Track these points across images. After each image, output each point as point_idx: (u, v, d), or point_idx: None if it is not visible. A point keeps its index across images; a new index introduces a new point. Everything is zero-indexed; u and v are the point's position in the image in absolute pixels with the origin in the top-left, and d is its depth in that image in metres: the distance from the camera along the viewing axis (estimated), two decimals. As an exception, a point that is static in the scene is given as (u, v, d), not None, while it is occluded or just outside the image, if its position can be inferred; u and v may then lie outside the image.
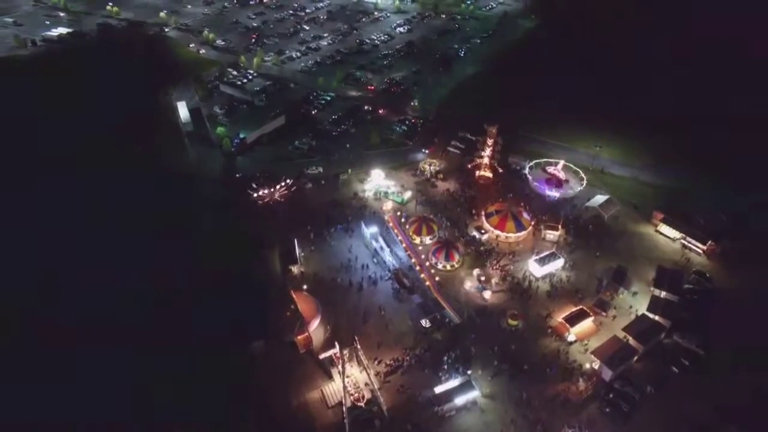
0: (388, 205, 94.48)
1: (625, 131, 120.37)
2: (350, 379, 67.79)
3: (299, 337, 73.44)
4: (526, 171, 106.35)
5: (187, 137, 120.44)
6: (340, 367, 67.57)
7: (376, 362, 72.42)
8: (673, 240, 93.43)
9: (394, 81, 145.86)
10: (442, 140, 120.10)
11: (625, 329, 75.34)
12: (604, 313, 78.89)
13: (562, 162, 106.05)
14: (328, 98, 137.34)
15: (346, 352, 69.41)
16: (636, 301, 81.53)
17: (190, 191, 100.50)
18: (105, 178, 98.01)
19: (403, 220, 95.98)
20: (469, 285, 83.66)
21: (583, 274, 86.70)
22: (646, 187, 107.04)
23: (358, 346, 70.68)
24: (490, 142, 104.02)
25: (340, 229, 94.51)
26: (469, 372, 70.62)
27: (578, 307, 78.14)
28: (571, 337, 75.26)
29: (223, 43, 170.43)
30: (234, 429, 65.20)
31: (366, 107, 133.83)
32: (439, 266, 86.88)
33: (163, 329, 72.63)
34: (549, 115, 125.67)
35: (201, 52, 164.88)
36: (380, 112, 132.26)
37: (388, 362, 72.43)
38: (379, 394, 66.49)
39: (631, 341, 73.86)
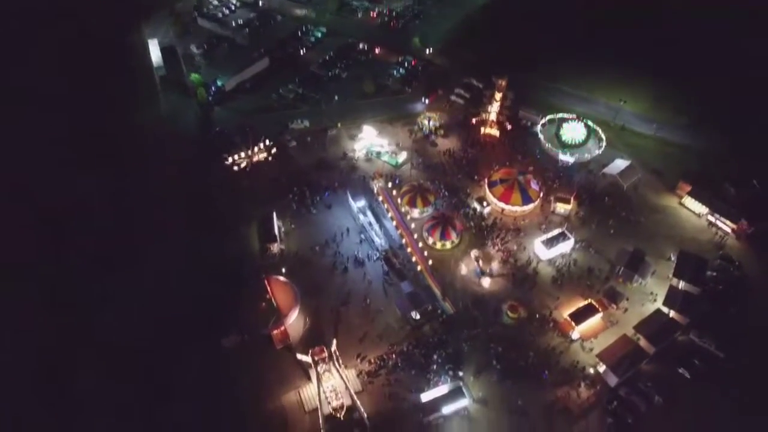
0: (379, 175, 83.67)
1: (658, 82, 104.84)
2: (330, 384, 61.54)
3: (275, 332, 66.76)
4: (538, 129, 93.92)
5: (160, 83, 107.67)
6: (319, 368, 61.55)
7: (359, 360, 66.06)
8: (699, 216, 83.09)
9: (393, 13, 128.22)
10: (445, 87, 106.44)
11: (636, 328, 67.60)
12: (614, 306, 70.80)
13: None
14: (319, 35, 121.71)
15: (325, 355, 62.76)
16: (658, 287, 73.18)
17: (161, 155, 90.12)
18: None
19: (395, 186, 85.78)
20: (466, 269, 75.24)
21: (594, 256, 77.66)
22: (674, 148, 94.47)
23: (336, 353, 63.84)
24: (498, 96, 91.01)
25: (326, 197, 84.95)
26: (460, 374, 64.16)
27: (586, 301, 69.86)
28: (575, 335, 67.87)
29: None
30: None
31: (361, 46, 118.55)
32: (436, 246, 78.11)
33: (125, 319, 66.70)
34: (569, 58, 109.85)
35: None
36: (376, 52, 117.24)
37: (372, 360, 66.02)
38: (359, 403, 60.30)
39: (642, 342, 66.42)
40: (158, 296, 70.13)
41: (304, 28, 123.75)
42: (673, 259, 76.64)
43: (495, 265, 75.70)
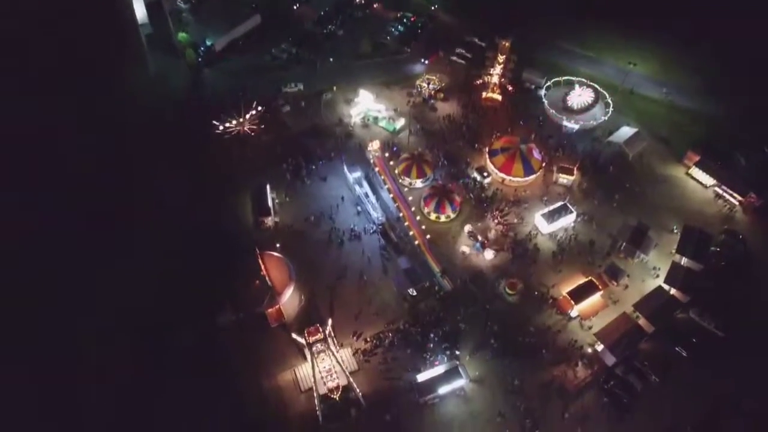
0: (375, 144, 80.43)
1: (671, 41, 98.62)
2: (325, 364, 61.17)
3: (269, 310, 65.88)
4: (542, 93, 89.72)
5: (147, 43, 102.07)
6: (314, 349, 61.07)
7: (354, 338, 65.55)
8: (706, 187, 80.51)
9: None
10: (446, 47, 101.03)
11: (636, 306, 66.64)
12: (615, 283, 69.61)
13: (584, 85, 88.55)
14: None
15: (320, 335, 62.03)
16: (661, 262, 71.86)
17: (148, 122, 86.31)
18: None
19: (393, 154, 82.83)
20: (466, 245, 73.45)
21: (596, 229, 75.75)
22: (683, 114, 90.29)
23: (332, 333, 63.11)
24: (501, 58, 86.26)
25: (321, 166, 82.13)
26: (457, 353, 63.73)
27: (586, 278, 68.54)
28: (574, 313, 67.00)
29: None
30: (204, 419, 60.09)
31: (357, 0, 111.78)
32: (431, 216, 76.10)
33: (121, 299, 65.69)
34: (573, 15, 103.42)
35: None
36: (375, 6, 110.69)
37: (368, 339, 65.49)
38: (354, 382, 60.06)
39: (642, 321, 65.61)
40: (149, 269, 68.58)
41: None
42: (676, 231, 74.96)
43: (493, 234, 73.82)
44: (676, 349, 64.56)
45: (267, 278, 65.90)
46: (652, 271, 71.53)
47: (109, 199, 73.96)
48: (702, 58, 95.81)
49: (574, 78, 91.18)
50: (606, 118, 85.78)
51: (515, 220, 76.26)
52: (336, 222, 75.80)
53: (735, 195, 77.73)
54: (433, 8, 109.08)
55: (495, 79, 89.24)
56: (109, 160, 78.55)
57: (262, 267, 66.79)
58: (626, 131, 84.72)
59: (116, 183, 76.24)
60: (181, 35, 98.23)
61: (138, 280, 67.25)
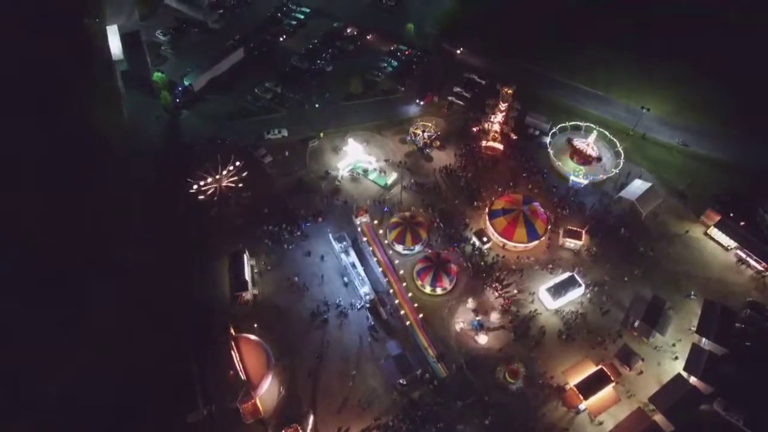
0: (364, 212, 73.36)
1: (688, 78, 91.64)
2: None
3: (244, 405, 59.25)
4: (547, 141, 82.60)
5: (122, 79, 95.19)
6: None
7: (339, 436, 59.06)
8: (727, 249, 73.38)
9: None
10: (443, 85, 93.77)
11: (652, 399, 59.73)
12: (628, 368, 62.73)
13: (594, 134, 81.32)
14: (302, 16, 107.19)
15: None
16: (680, 343, 65.04)
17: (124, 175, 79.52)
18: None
19: (383, 216, 75.97)
20: (462, 321, 66.67)
21: (607, 301, 68.75)
22: (701, 162, 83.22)
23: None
24: (503, 106, 79.06)
25: (306, 228, 75.33)
26: (453, 459, 57.14)
27: (596, 367, 61.54)
28: (582, 406, 60.17)
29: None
30: None
31: (349, 30, 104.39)
32: (425, 290, 69.32)
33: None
34: (584, 47, 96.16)
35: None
36: (368, 38, 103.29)
37: (353, 437, 59.00)
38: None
39: (659, 417, 58.72)
40: (108, 353, 61.61)
41: (286, 7, 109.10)
42: (694, 296, 68.22)
43: (494, 316, 67.02)
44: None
45: (241, 372, 59.25)
46: (670, 351, 64.62)
47: (62, 265, 67.01)
48: (715, 92, 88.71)
49: (581, 123, 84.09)
50: (617, 170, 78.68)
51: (515, 292, 69.26)
52: (320, 295, 68.99)
53: (757, 259, 70.54)
54: (428, 42, 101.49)
55: (496, 127, 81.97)
56: (64, 220, 71.54)
57: (236, 358, 60.15)
58: (639, 186, 77.41)
59: (72, 246, 69.21)
60: (157, 75, 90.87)
61: (96, 369, 60.47)
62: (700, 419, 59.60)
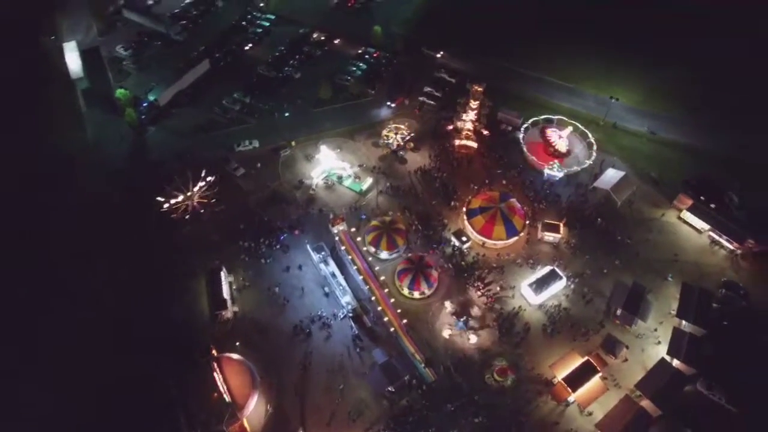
0: (339, 226, 72.49)
1: (653, 67, 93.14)
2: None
3: (231, 428, 57.90)
4: (521, 136, 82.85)
5: (83, 98, 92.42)
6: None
7: (330, 451, 58.14)
8: (700, 232, 74.60)
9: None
10: (414, 86, 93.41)
11: (638, 386, 60.27)
12: (613, 357, 63.22)
13: (568, 129, 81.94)
14: (267, 24, 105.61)
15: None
16: (661, 326, 65.77)
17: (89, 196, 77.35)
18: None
19: (361, 223, 75.21)
20: (449, 326, 66.18)
21: (589, 294, 69.14)
22: (673, 149, 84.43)
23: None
24: (474, 104, 79.01)
25: (282, 240, 74.07)
26: (444, 463, 56.69)
27: (582, 359, 61.84)
28: (572, 399, 60.40)
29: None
30: None
31: (315, 35, 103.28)
32: (404, 291, 68.76)
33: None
34: (552, 41, 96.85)
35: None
36: (335, 42, 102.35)
37: (343, 451, 58.17)
38: None
39: (646, 403, 59.28)
40: (83, 381, 60.09)
41: (251, 15, 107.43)
42: (671, 278, 69.25)
43: (475, 311, 66.78)
44: (686, 432, 58.45)
45: (225, 393, 57.91)
46: (653, 338, 65.34)
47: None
48: (682, 80, 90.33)
49: (553, 116, 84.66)
50: (591, 161, 79.40)
51: (498, 289, 69.24)
52: (302, 308, 67.90)
53: (729, 240, 71.88)
54: (396, 43, 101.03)
55: (469, 125, 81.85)
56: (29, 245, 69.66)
57: (219, 380, 58.77)
58: (612, 175, 78.13)
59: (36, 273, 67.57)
60: (120, 92, 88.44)
61: (69, 396, 58.54)
62: (685, 401, 60.25)
